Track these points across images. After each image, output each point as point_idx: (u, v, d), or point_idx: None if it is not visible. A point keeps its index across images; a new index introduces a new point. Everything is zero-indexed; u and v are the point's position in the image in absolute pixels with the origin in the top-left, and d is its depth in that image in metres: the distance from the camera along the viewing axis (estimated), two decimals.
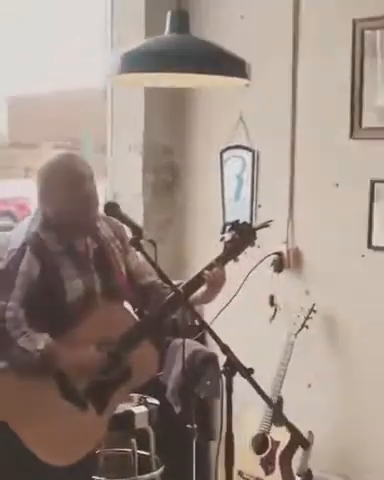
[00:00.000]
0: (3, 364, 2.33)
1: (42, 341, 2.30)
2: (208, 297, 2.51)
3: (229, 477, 2.16)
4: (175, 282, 2.44)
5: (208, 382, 2.47)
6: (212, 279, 2.45)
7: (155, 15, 3.13)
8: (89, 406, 2.39)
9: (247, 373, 2.07)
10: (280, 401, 3.20)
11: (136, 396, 3.26)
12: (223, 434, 2.13)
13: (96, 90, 4.08)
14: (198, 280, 2.47)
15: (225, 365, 2.10)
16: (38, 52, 3.89)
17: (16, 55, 3.89)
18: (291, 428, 2.06)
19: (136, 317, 2.48)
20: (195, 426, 2.44)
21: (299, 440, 2.13)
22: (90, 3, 4.01)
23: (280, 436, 3.11)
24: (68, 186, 2.39)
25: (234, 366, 2.09)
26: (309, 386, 3.45)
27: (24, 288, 2.34)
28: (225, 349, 2.12)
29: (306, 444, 2.13)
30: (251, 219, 3.58)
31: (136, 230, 2.38)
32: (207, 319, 3.65)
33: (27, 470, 2.36)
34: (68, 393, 2.36)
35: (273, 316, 3.54)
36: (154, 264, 2.34)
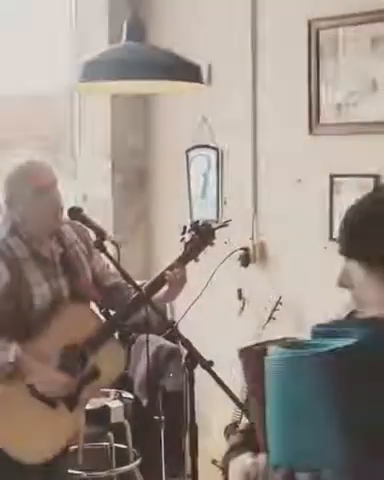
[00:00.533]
0: None
1: (12, 353, 2.38)
2: (170, 296, 2.61)
3: (194, 466, 2.26)
4: (140, 282, 2.55)
5: (170, 375, 2.58)
6: (173, 279, 2.55)
7: (118, 21, 3.21)
8: (60, 403, 2.48)
9: (207, 365, 2.17)
10: None
11: (112, 391, 3.36)
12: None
13: (67, 93, 4.15)
14: (160, 280, 2.56)
15: (186, 358, 2.21)
16: (4, 54, 3.97)
17: None
18: (248, 415, 2.16)
19: (102, 318, 2.57)
20: (162, 418, 2.55)
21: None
22: (54, 9, 4.10)
23: None
24: (35, 192, 2.47)
25: (194, 359, 2.19)
26: None
27: None
28: (185, 343, 2.22)
29: None
30: (217, 216, 3.69)
31: (99, 232, 2.47)
32: (178, 314, 3.77)
33: (1, 470, 2.44)
34: (38, 391, 2.45)
35: (242, 309, 3.65)
36: (117, 265, 2.44)
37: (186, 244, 2.58)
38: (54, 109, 4.27)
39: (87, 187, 4.01)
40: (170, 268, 2.56)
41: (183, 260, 2.58)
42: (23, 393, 2.43)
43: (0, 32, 3.91)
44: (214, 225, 2.69)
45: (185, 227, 2.60)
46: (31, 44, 4.03)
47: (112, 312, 2.58)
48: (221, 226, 2.71)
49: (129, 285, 2.51)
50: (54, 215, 2.49)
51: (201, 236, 2.58)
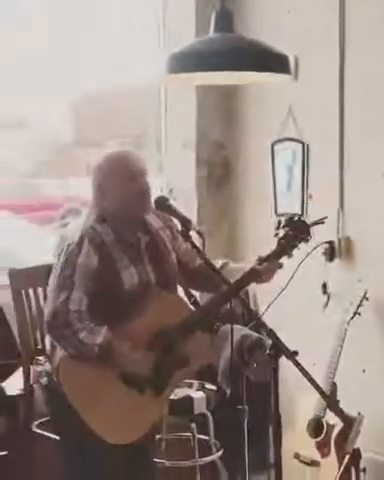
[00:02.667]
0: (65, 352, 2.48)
1: (101, 336, 2.43)
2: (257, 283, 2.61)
3: (278, 456, 2.26)
4: (223, 262, 2.57)
5: (255, 365, 2.58)
6: (263, 272, 2.54)
7: (205, 14, 3.24)
8: (147, 389, 2.52)
9: (291, 355, 2.17)
10: (334, 387, 3.28)
11: (195, 382, 3.39)
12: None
13: (153, 88, 4.22)
14: (251, 274, 2.55)
15: (270, 348, 2.21)
16: (97, 52, 4.06)
17: (77, 56, 4.07)
18: (336, 409, 2.15)
19: (191, 306, 2.58)
20: (246, 407, 2.55)
21: (345, 420, 2.22)
22: (143, 3, 4.16)
23: (335, 420, 3.19)
24: (127, 180, 2.51)
25: (279, 349, 2.19)
26: (363, 371, 3.51)
27: (84, 279, 2.46)
28: (270, 333, 2.22)
29: (351, 423, 2.22)
30: (302, 210, 3.66)
31: (185, 222, 2.50)
32: (260, 307, 3.77)
33: (91, 448, 2.50)
34: (127, 376, 2.49)
35: (326, 304, 3.62)
36: (203, 255, 2.46)
37: (280, 239, 2.56)
38: (141, 104, 4.33)
39: (172, 180, 4.06)
40: (260, 263, 2.54)
41: (276, 255, 2.56)
42: (112, 377, 2.48)
43: (88, 28, 4.00)
44: (309, 221, 2.65)
45: (280, 222, 2.57)
46: (119, 40, 4.11)
47: (198, 295, 2.60)
48: (317, 223, 2.66)
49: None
50: (143, 203, 2.53)
51: (296, 232, 2.56)
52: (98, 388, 2.47)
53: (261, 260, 2.54)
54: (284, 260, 2.61)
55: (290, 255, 2.60)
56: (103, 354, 2.43)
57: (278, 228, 2.58)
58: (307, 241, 2.61)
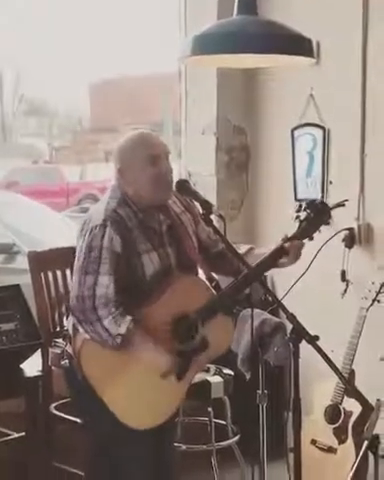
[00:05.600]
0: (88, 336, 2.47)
1: (125, 326, 2.41)
2: (280, 266, 2.59)
3: (297, 442, 2.25)
4: (247, 247, 2.56)
5: (275, 349, 2.57)
6: (291, 248, 2.52)
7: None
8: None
9: (312, 340, 2.16)
10: (352, 374, 3.27)
11: (212, 367, 3.38)
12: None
13: (173, 73, 4.21)
14: (276, 253, 2.53)
15: (291, 333, 2.20)
16: (116, 39, 4.05)
17: (96, 43, 4.07)
18: (356, 394, 2.14)
19: (213, 290, 2.57)
20: (265, 392, 2.55)
21: (365, 405, 2.22)
22: None
23: (352, 406, 3.18)
24: (147, 160, 2.50)
25: (300, 333, 2.18)
26: (382, 359, 3.50)
27: (110, 262, 2.44)
28: (291, 317, 2.22)
29: (371, 409, 2.21)
30: (322, 195, 3.64)
31: (206, 205, 2.48)
32: (279, 293, 3.76)
33: (111, 432, 2.50)
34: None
35: (345, 291, 3.60)
36: (224, 238, 2.45)
37: (301, 222, 2.55)
38: (160, 89, 4.33)
39: (192, 165, 4.05)
40: (284, 242, 2.53)
41: (297, 238, 2.55)
42: (134, 361, 2.47)
43: (108, 14, 3.98)
44: (331, 204, 2.63)
45: (300, 205, 2.55)
46: (138, 25, 4.09)
47: (217, 276, 2.59)
48: (338, 205, 2.64)
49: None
50: (164, 185, 2.52)
51: (317, 214, 2.54)
52: (119, 372, 2.46)
53: (284, 241, 2.53)
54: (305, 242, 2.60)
55: (311, 238, 2.58)
56: (124, 344, 2.43)
57: (299, 211, 2.57)
58: (328, 224, 2.60)
